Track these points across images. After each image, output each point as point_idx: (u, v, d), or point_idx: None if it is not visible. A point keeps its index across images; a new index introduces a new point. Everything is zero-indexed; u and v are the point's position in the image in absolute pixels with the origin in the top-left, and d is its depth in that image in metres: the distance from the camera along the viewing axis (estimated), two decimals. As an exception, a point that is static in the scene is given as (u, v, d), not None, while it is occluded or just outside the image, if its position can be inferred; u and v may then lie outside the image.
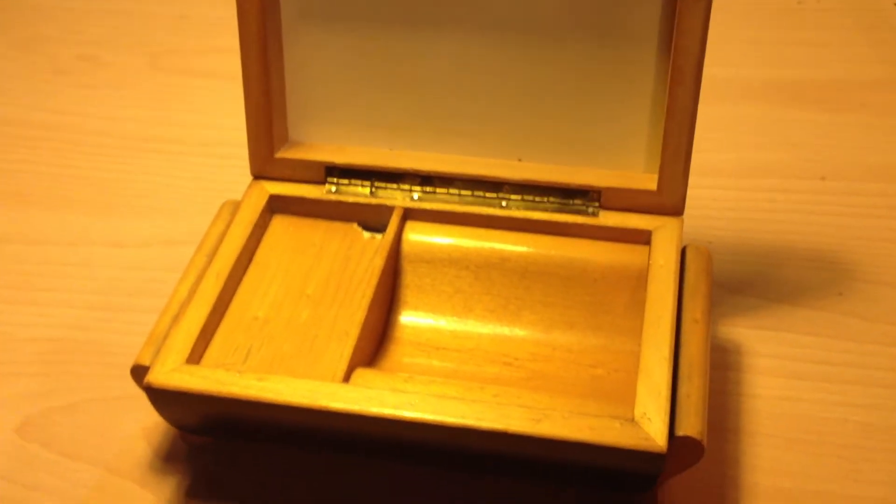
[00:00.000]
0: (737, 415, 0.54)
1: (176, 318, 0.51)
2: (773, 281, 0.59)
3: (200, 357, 0.50)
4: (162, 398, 0.48)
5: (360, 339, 0.50)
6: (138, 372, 0.50)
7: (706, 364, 0.49)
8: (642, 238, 0.53)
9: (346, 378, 0.48)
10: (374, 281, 0.52)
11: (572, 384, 0.51)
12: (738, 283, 0.60)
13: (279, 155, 0.55)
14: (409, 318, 0.54)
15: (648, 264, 0.52)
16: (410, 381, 0.49)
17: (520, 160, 0.54)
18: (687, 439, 0.45)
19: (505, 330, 0.53)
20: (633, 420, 0.45)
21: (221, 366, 0.49)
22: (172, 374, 0.48)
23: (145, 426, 0.54)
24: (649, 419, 0.45)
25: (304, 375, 0.49)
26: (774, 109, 0.71)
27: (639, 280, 0.53)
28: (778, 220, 0.63)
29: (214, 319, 0.51)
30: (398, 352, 0.53)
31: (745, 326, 0.57)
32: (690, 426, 0.46)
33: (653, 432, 0.45)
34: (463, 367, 0.52)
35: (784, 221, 0.63)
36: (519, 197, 0.54)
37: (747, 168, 0.66)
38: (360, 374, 0.49)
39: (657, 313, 0.50)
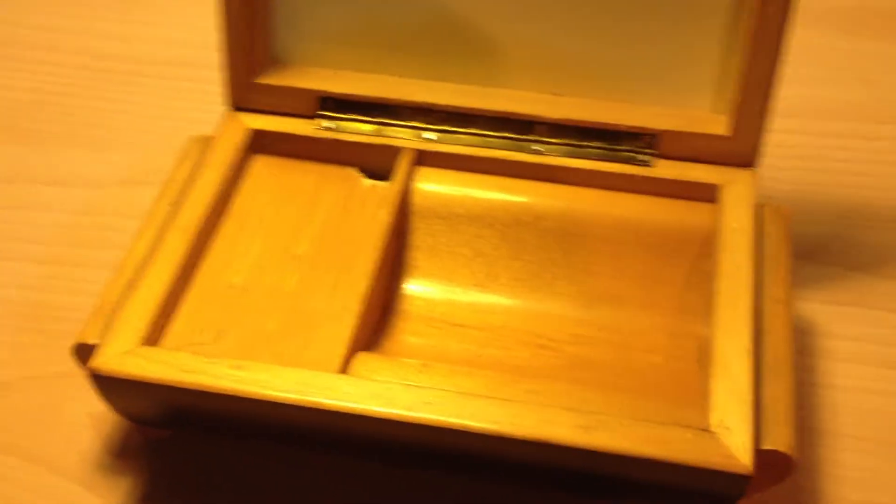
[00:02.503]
0: (814, 411, 0.45)
1: (131, 285, 0.42)
2: (851, 246, 0.51)
3: (161, 336, 0.41)
4: (111, 387, 0.39)
5: (363, 314, 0.41)
6: (82, 352, 0.41)
7: (793, 357, 0.40)
8: (708, 194, 0.44)
9: (346, 365, 0.40)
10: (379, 241, 0.43)
11: (623, 375, 0.42)
12: (810, 248, 0.51)
13: (261, 80, 0.47)
14: (420, 288, 0.45)
15: (717, 227, 0.43)
16: (426, 371, 0.40)
17: (557, 94, 0.46)
18: (775, 454, 0.37)
19: (538, 304, 0.45)
20: (708, 430, 0.36)
21: (187, 348, 0.40)
22: (125, 358, 0.39)
23: (93, 412, 0.45)
24: (728, 429, 0.36)
25: (292, 362, 0.40)
26: (845, 39, 0.62)
27: (703, 246, 0.44)
28: (854, 171, 0.55)
29: (179, 287, 0.42)
30: (405, 329, 0.44)
31: (820, 301, 0.49)
32: (779, 438, 0.37)
33: (735, 447, 0.36)
34: (486, 349, 0.43)
35: (862, 174, 0.55)
36: (556, 140, 0.46)
37: (815, 108, 0.58)
38: (363, 360, 0.40)
39: (733, 291, 0.40)
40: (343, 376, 0.38)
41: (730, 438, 0.36)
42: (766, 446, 0.36)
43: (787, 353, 0.40)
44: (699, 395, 0.40)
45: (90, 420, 0.45)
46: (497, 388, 0.39)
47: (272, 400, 0.37)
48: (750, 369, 0.38)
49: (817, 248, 0.51)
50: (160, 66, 0.63)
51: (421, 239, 0.46)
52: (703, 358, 0.41)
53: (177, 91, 0.61)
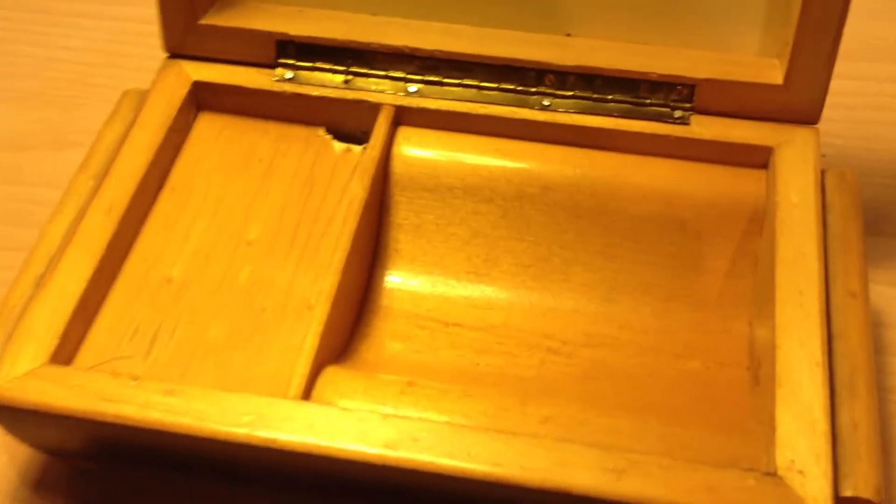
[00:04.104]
0: (887, 420, 0.37)
1: (40, 282, 0.35)
2: (920, 215, 0.45)
3: (76, 349, 0.34)
4: (11, 418, 0.32)
5: (332, 317, 0.34)
6: (-21, 368, 0.33)
7: (873, 367, 0.33)
8: (758, 158, 0.38)
9: (308, 385, 0.33)
10: (352, 220, 0.36)
11: (653, 387, 0.35)
12: (870, 217, 0.44)
13: (206, 21, 0.41)
14: (403, 279, 0.39)
15: (771, 200, 0.36)
16: (411, 392, 0.33)
17: (569, 35, 0.41)
18: (858, 503, 0.29)
19: (546, 297, 0.38)
20: (775, 473, 0.30)
21: (110, 365, 0.34)
22: (27, 381, 0.32)
23: (6, 436, 0.37)
24: (801, 472, 0.30)
25: (241, 380, 0.33)
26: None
27: (752, 223, 0.38)
28: (919, 124, 0.49)
29: (101, 284, 0.36)
30: (386, 331, 0.37)
31: (886, 283, 0.42)
32: (864, 481, 0.30)
33: (811, 498, 0.29)
34: (485, 356, 0.37)
35: (928, 127, 0.49)
36: (569, 93, 0.40)
37: (867, 48, 0.51)
38: (331, 378, 0.33)
39: (796, 284, 0.34)
40: (304, 403, 0.32)
41: (804, 486, 0.29)
42: (848, 492, 0.29)
43: (866, 363, 0.33)
44: (754, 418, 0.33)
45: (3, 446, 0.38)
46: (500, 415, 0.32)
47: (213, 437, 0.30)
48: (823, 388, 0.31)
49: (879, 217, 0.45)
50: (102, 4, 0.56)
51: (404, 216, 0.39)
52: (755, 366, 0.34)
53: (122, 35, 0.55)
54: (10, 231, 0.45)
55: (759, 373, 0.33)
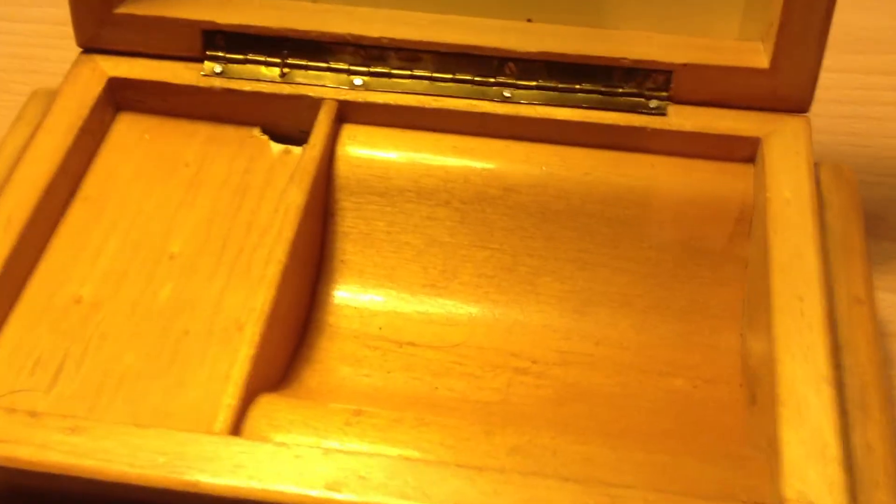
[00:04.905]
0: None
1: None
2: (916, 215, 0.43)
3: None
4: None
5: (266, 338, 0.30)
6: None
7: (885, 380, 0.29)
8: (744, 151, 0.36)
9: (239, 417, 0.29)
10: (289, 228, 0.33)
11: (635, 411, 0.32)
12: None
13: (123, 9, 0.39)
14: (350, 294, 0.35)
15: (761, 197, 0.34)
16: (357, 422, 0.29)
17: (530, 20, 0.39)
18: None
19: (514, 311, 0.35)
20: None
21: (4, 400, 0.30)
22: None
23: None
24: None
25: (159, 413, 0.30)
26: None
27: (739, 223, 0.35)
28: (908, 118, 0.47)
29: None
30: (332, 353, 0.34)
31: (884, 288, 0.39)
32: None
33: None
34: (444, 378, 0.33)
35: (918, 121, 0.47)
36: (533, 83, 0.38)
37: (855, 39, 0.50)
38: (266, 407, 0.30)
39: (795, 289, 0.31)
40: (231, 439, 0.28)
41: (815, 521, 0.25)
42: (865, 526, 0.26)
43: (878, 377, 0.30)
44: (750, 442, 0.30)
45: None
46: (461, 446, 0.28)
47: (121, 481, 0.26)
48: (833, 406, 0.28)
49: (871, 217, 0.42)
50: (19, 6, 0.54)
51: (351, 224, 0.37)
52: (751, 383, 0.31)
53: (39, 37, 0.52)
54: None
55: (757, 390, 0.30)
